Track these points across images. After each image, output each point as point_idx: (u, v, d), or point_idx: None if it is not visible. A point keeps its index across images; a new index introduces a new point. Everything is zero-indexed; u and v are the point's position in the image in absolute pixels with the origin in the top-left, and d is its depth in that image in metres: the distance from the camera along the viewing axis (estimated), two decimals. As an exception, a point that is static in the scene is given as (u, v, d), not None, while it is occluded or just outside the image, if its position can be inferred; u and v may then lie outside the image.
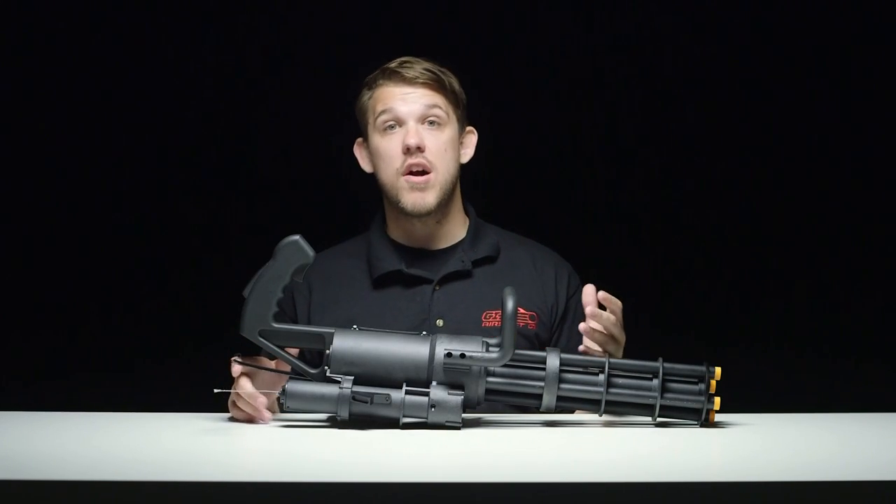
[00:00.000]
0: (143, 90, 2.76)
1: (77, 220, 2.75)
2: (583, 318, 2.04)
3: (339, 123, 2.46)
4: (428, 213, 2.10)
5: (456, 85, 2.14)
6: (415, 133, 2.07)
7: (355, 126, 2.20)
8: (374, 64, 2.18)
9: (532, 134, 2.79)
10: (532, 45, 2.79)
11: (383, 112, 2.10)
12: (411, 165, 2.07)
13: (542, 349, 2.05)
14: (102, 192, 2.76)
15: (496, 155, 2.29)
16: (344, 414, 1.63)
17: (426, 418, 1.63)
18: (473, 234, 2.17)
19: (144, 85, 2.76)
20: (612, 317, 1.84)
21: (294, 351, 1.73)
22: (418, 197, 2.08)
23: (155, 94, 2.76)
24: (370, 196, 2.25)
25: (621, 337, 1.86)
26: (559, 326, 2.15)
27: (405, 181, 2.08)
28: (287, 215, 2.73)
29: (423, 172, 2.08)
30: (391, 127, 2.09)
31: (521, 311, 2.11)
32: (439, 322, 2.09)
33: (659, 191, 2.79)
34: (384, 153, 2.10)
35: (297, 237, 1.70)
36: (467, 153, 2.18)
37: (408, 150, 2.06)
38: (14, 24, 2.73)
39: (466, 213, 2.20)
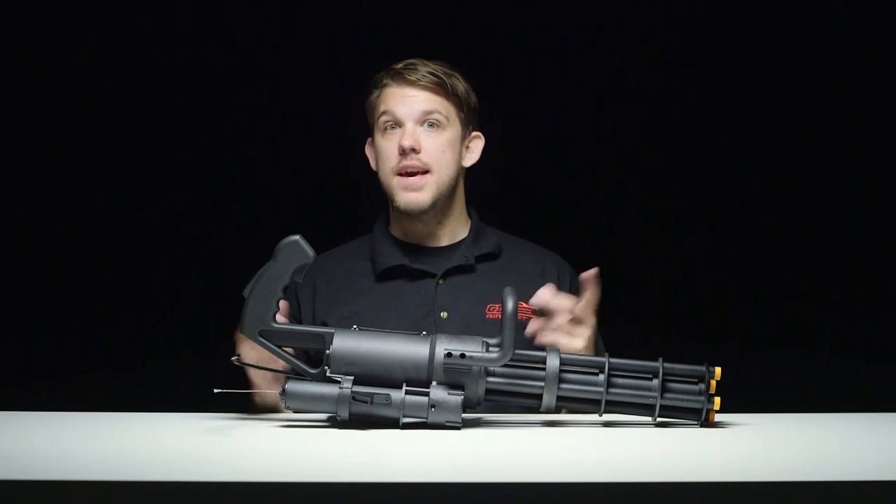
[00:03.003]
0: (143, 90, 2.76)
1: (77, 219, 2.75)
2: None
3: (343, 124, 2.47)
4: (423, 212, 2.12)
5: (461, 88, 2.16)
6: (410, 135, 2.10)
7: (363, 126, 2.22)
8: (382, 65, 2.19)
9: (533, 136, 2.79)
10: (538, 49, 2.80)
11: (384, 113, 2.13)
12: (405, 167, 2.10)
13: (543, 348, 2.06)
14: (103, 192, 2.76)
15: (500, 157, 2.30)
16: (344, 414, 1.63)
17: (426, 418, 1.63)
18: (475, 233, 2.20)
19: (145, 85, 2.76)
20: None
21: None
22: (412, 197, 2.11)
23: (156, 94, 2.76)
24: (374, 198, 2.25)
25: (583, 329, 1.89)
26: None
27: (398, 181, 2.11)
28: (288, 215, 2.73)
29: (417, 173, 2.10)
30: (391, 127, 2.12)
31: (524, 305, 2.12)
32: (443, 314, 2.11)
33: (659, 191, 2.79)
34: (382, 152, 2.14)
35: (297, 237, 1.70)
36: (472, 157, 2.20)
37: (402, 152, 2.09)
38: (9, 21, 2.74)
39: (469, 215, 2.22)
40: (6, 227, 2.74)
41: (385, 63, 2.20)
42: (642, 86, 2.80)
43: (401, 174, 2.11)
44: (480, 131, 2.22)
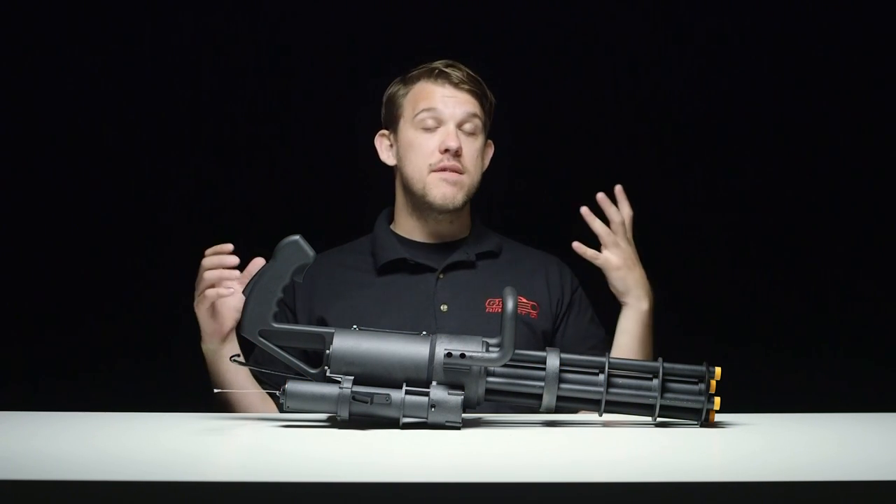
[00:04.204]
0: (143, 88, 2.76)
1: (77, 219, 2.75)
2: (584, 311, 2.09)
3: (344, 124, 2.47)
4: (453, 210, 2.13)
5: (492, 97, 2.18)
6: (455, 136, 2.11)
7: (364, 125, 2.22)
8: (383, 65, 2.19)
9: (533, 135, 2.79)
10: (538, 48, 2.80)
11: (426, 109, 2.12)
12: (447, 166, 2.10)
13: (544, 343, 2.07)
14: (103, 192, 2.76)
15: (502, 158, 2.30)
16: (344, 414, 1.63)
17: (426, 418, 1.63)
18: (477, 234, 2.22)
19: (145, 83, 2.76)
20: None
21: None
22: (449, 191, 2.12)
23: (156, 92, 2.76)
24: (375, 197, 2.26)
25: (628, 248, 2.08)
26: (563, 319, 2.18)
27: (437, 176, 2.11)
28: (288, 215, 2.73)
29: (455, 172, 2.11)
30: (431, 124, 2.12)
31: (523, 300, 2.14)
32: (443, 307, 2.11)
33: (659, 191, 2.79)
34: (419, 148, 2.13)
35: (297, 237, 1.70)
36: (484, 164, 2.22)
37: (446, 151, 2.09)
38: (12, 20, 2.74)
39: (472, 218, 2.24)
40: (6, 225, 2.74)
41: (386, 63, 2.20)
42: (645, 87, 2.80)
43: (440, 170, 2.12)
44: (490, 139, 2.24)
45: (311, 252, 1.69)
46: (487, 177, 2.24)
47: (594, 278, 2.17)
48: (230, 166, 2.78)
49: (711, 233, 2.79)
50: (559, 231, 2.22)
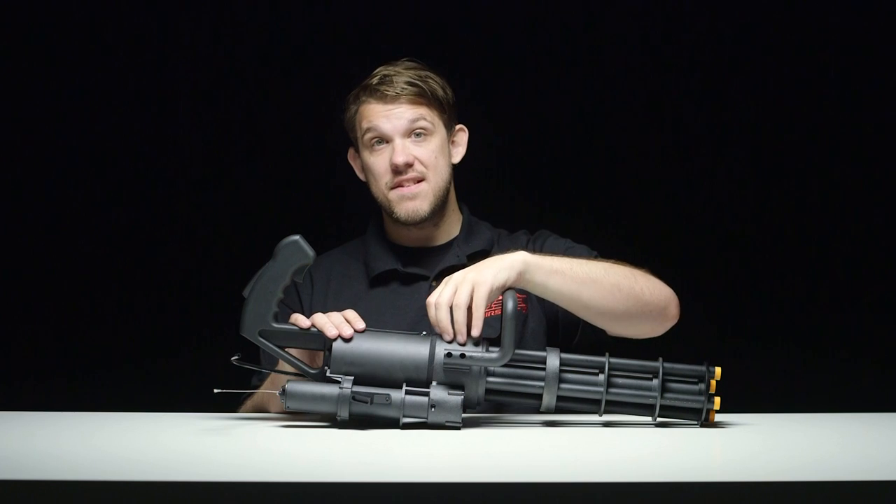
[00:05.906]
0: (141, 89, 2.75)
1: (77, 219, 2.74)
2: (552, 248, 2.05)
3: (339, 125, 2.47)
4: (423, 221, 2.11)
5: (440, 90, 2.13)
6: (401, 150, 2.08)
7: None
8: (372, 64, 2.18)
9: (528, 132, 2.79)
10: (530, 41, 2.79)
11: (368, 130, 2.10)
12: (400, 181, 2.09)
13: (540, 335, 2.05)
14: (102, 191, 2.75)
15: (493, 152, 2.29)
16: (344, 414, 1.63)
17: (426, 418, 1.64)
18: (467, 230, 2.19)
19: (143, 84, 2.76)
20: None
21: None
22: (410, 206, 2.10)
23: (154, 93, 2.76)
24: (369, 199, 2.25)
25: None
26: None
27: (394, 194, 2.09)
28: (287, 216, 2.73)
29: (412, 182, 2.09)
30: (378, 143, 2.10)
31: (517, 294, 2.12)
32: None
33: (659, 190, 2.79)
34: (373, 170, 2.11)
35: (297, 237, 1.70)
36: (459, 152, 2.19)
37: (396, 168, 2.08)
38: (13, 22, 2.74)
39: (460, 211, 2.22)
40: (7, 226, 2.73)
41: (374, 61, 2.19)
42: (646, 81, 2.79)
43: (396, 187, 2.10)
44: (463, 123, 2.20)
45: (310, 252, 1.69)
46: (471, 168, 2.21)
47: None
48: (230, 167, 2.78)
49: (711, 233, 2.79)
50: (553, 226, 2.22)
